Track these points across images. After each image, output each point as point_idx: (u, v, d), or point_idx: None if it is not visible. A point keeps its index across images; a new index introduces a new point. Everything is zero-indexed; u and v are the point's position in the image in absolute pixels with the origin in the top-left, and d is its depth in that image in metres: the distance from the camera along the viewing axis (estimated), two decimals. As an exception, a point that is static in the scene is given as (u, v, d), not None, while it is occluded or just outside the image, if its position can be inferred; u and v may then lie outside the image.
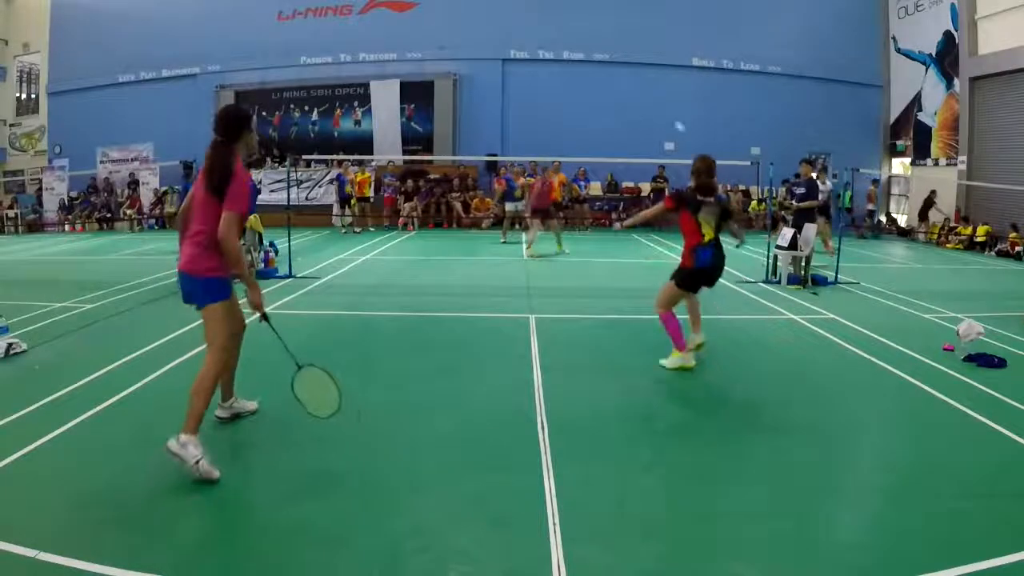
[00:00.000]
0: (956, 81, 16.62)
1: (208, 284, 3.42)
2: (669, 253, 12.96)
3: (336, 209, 17.01)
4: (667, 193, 5.24)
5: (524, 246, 12.55)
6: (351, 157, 17.28)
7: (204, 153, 3.44)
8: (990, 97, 15.78)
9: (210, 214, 3.34)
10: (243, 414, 4.06)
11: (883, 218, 18.84)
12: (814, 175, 9.95)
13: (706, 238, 4.97)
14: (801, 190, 9.62)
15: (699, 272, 5.03)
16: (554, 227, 12.82)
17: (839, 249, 9.68)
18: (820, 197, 10.13)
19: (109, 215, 19.11)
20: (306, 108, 19.84)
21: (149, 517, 2.89)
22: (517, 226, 14.62)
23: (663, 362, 5.10)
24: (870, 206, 18.13)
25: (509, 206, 13.84)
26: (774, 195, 12.75)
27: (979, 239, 15.05)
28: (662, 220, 17.28)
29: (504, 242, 13.65)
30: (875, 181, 18.55)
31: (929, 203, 16.83)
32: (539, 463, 3.45)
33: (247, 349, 4.00)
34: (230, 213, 3.29)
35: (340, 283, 9.13)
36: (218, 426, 3.93)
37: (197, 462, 3.14)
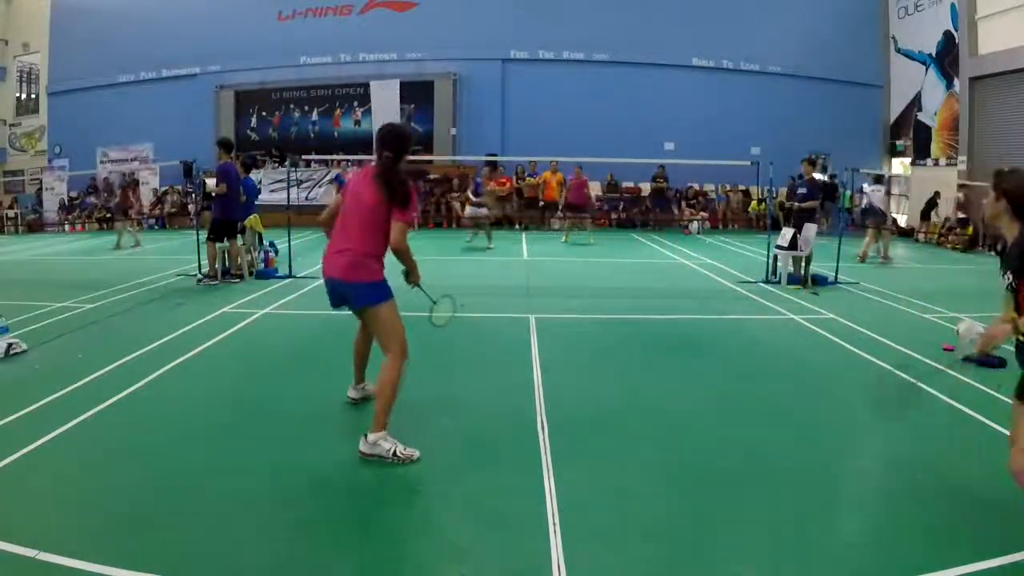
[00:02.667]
0: (956, 81, 16.62)
1: (376, 288, 3.63)
2: (668, 253, 12.96)
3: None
4: None
5: (518, 239, 12.63)
6: (351, 157, 17.28)
7: (363, 171, 3.72)
8: (990, 97, 15.78)
9: (375, 224, 3.57)
10: (372, 397, 4.05)
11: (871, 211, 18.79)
12: (816, 176, 9.97)
13: None
14: (803, 190, 9.62)
15: None
16: (586, 223, 13.63)
17: (839, 249, 9.68)
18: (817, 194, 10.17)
19: (109, 215, 19.11)
20: (306, 108, 19.84)
21: (149, 517, 2.89)
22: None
23: None
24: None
25: (469, 210, 13.82)
26: (774, 195, 12.76)
27: (967, 233, 15.20)
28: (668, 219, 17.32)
29: (470, 243, 13.46)
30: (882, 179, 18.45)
31: (932, 204, 16.83)
32: (539, 463, 3.45)
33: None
34: (403, 224, 3.56)
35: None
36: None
37: (394, 453, 3.38)
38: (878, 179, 14.11)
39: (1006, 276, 2.86)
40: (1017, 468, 2.74)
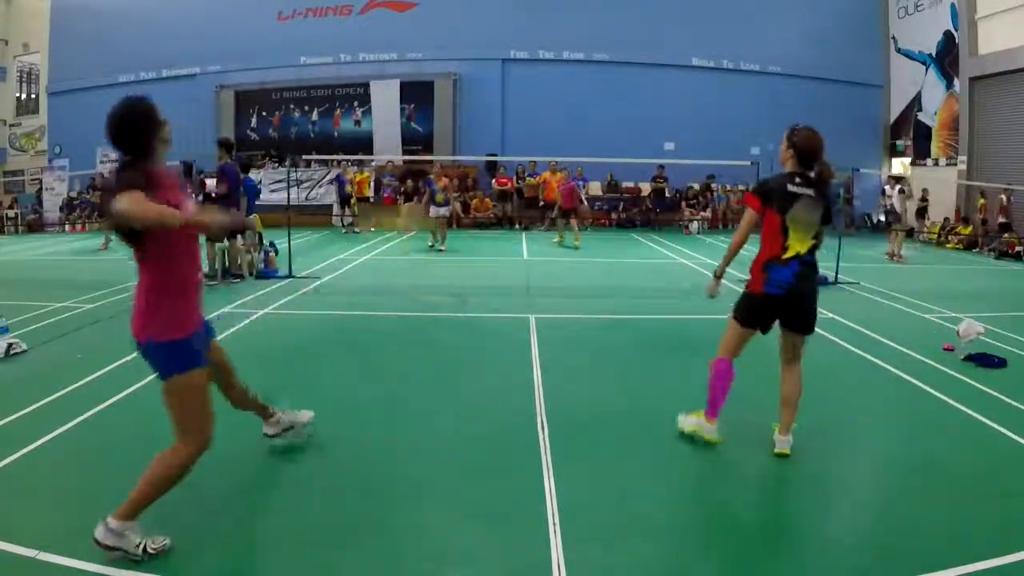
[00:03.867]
0: (956, 81, 16.63)
1: (167, 351, 2.63)
2: (668, 252, 12.97)
3: (336, 209, 17.01)
4: (749, 189, 3.90)
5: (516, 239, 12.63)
6: (351, 157, 17.29)
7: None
8: (990, 97, 15.79)
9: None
10: (297, 425, 3.59)
11: (883, 218, 18.83)
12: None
13: (790, 252, 3.51)
14: None
15: (772, 301, 3.55)
16: (573, 225, 13.55)
17: (839, 249, 9.67)
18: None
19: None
20: (306, 108, 19.84)
21: (149, 517, 2.88)
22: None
23: (679, 417, 3.86)
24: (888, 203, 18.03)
25: (434, 211, 13.65)
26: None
27: (964, 232, 15.17)
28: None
29: (438, 247, 13.09)
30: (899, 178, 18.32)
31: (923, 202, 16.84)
32: (539, 463, 3.45)
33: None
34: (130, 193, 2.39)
35: (340, 283, 9.12)
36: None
37: (144, 549, 2.54)
38: (897, 179, 14.14)
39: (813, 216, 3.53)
40: (714, 361, 3.74)
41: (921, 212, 16.97)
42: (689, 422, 3.79)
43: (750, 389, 4.09)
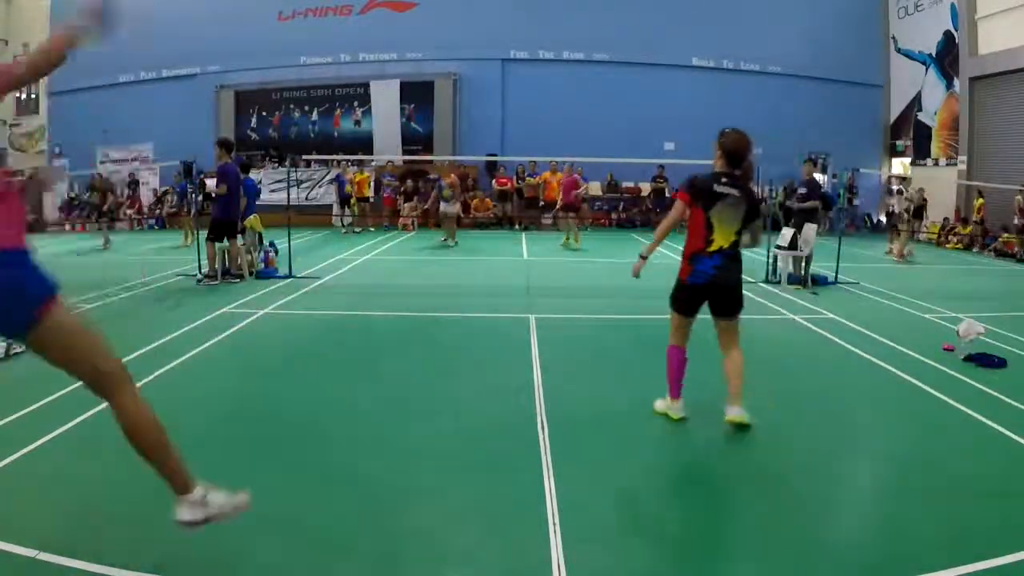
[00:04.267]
0: (956, 81, 16.62)
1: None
2: (668, 253, 12.96)
3: (336, 209, 17.02)
4: (680, 186, 4.13)
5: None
6: (351, 157, 17.28)
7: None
8: (990, 97, 15.79)
9: None
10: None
11: (883, 218, 18.84)
12: (817, 175, 9.99)
13: (713, 245, 3.88)
14: (803, 190, 9.62)
15: (695, 289, 3.93)
16: (571, 224, 13.62)
17: (839, 249, 9.68)
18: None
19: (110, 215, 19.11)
20: (306, 108, 19.83)
21: (149, 517, 2.89)
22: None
23: (655, 402, 4.25)
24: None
25: (443, 207, 13.89)
26: (775, 195, 12.78)
27: (964, 232, 15.16)
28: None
29: (449, 243, 13.53)
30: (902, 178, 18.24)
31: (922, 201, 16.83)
32: (539, 463, 3.45)
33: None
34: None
35: (340, 283, 9.13)
36: (215, 423, 3.91)
37: (230, 506, 2.44)
38: (902, 180, 14.14)
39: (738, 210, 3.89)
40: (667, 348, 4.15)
41: (918, 212, 16.98)
42: (659, 404, 4.22)
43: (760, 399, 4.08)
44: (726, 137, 4.05)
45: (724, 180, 3.92)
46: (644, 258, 4.11)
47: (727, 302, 4.01)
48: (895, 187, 13.55)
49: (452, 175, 14.15)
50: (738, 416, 3.85)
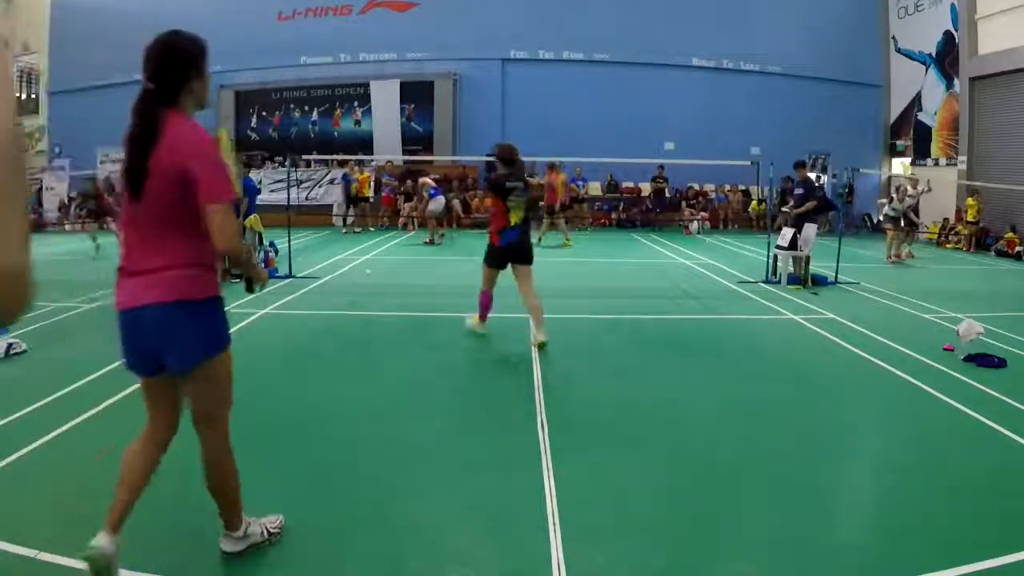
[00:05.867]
0: (956, 81, 16.62)
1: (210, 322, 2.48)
2: (668, 253, 12.98)
3: (337, 209, 17.02)
4: (484, 188, 5.81)
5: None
6: (352, 157, 17.28)
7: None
8: (990, 97, 15.79)
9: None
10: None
11: (882, 218, 18.82)
12: (812, 175, 9.99)
13: (512, 222, 5.70)
14: (799, 191, 9.63)
15: (503, 250, 5.75)
16: (559, 224, 13.75)
17: (839, 249, 9.68)
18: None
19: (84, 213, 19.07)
20: (306, 108, 19.83)
21: (149, 517, 2.89)
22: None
23: (466, 320, 6.15)
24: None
25: (432, 205, 13.96)
26: (774, 196, 12.79)
27: (964, 232, 15.13)
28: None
29: (436, 242, 13.69)
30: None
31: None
32: (539, 463, 3.45)
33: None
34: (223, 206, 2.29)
35: (340, 283, 9.13)
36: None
37: (266, 532, 2.65)
38: (913, 181, 14.08)
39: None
40: (480, 292, 5.97)
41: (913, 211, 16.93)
42: (468, 323, 6.12)
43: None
44: (499, 149, 5.86)
45: (511, 178, 5.68)
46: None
47: (523, 256, 5.78)
48: (909, 187, 13.38)
49: (426, 178, 14.45)
50: (541, 338, 5.49)
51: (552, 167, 14.77)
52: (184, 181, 2.20)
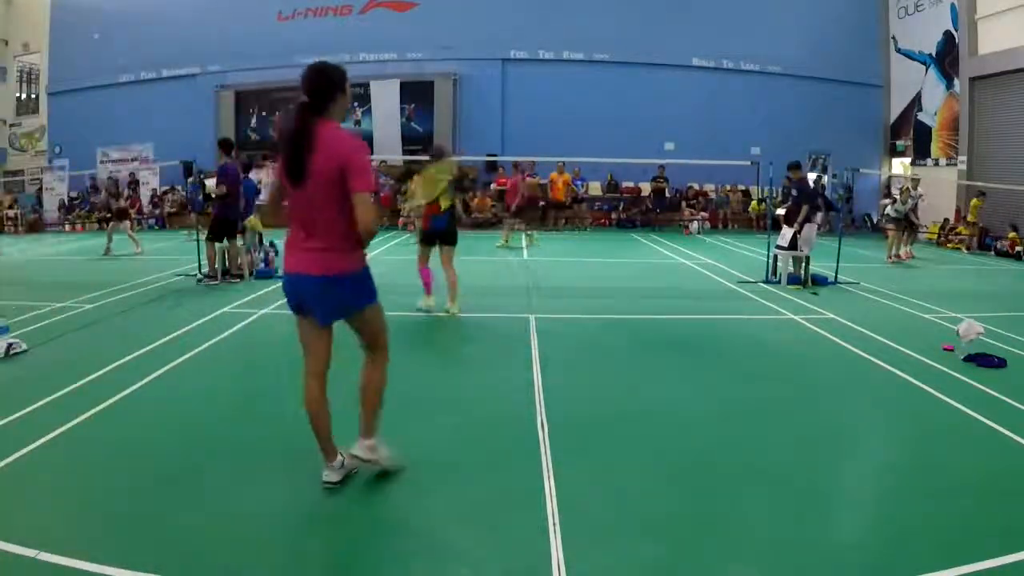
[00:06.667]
0: (956, 81, 16.62)
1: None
2: (668, 253, 12.98)
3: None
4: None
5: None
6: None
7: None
8: (990, 97, 15.78)
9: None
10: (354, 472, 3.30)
11: (883, 218, 18.83)
12: (811, 176, 9.98)
13: (442, 208, 6.77)
14: (795, 193, 9.62)
15: (433, 232, 6.84)
16: (519, 227, 13.99)
17: (839, 249, 9.68)
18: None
19: (109, 215, 19.12)
20: (306, 108, 19.80)
21: (149, 517, 2.89)
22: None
23: (418, 302, 6.92)
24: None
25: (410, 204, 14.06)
26: (774, 196, 12.78)
27: (965, 232, 15.12)
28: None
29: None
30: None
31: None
32: (539, 463, 3.45)
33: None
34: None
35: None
36: (210, 427, 3.91)
37: (388, 457, 3.25)
38: (914, 182, 14.07)
39: None
40: (419, 269, 7.05)
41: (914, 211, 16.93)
42: (420, 303, 6.92)
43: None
44: (434, 148, 7.33)
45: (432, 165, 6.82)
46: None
47: (449, 237, 6.85)
48: (919, 190, 13.33)
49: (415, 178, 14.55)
50: (454, 310, 6.80)
51: (516, 166, 14.80)
52: (340, 175, 2.84)
